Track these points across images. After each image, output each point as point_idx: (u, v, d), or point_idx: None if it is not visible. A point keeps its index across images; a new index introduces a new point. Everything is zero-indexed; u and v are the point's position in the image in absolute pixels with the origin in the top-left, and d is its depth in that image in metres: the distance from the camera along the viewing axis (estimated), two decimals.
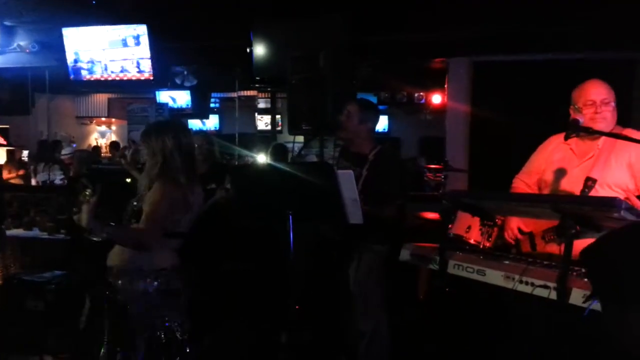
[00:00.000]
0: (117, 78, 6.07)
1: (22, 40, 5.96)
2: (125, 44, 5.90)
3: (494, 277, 2.52)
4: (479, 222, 3.08)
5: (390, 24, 5.42)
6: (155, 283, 2.31)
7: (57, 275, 4.05)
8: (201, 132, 4.26)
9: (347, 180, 2.66)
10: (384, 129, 9.85)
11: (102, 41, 5.98)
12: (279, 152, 5.02)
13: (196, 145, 3.76)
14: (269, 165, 4.45)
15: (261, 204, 3.02)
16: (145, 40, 5.79)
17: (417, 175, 7.19)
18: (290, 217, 2.76)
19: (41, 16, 5.76)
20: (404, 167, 3.72)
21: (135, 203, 2.39)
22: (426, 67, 6.74)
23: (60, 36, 5.69)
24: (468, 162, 5.31)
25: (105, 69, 6.06)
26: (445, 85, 5.93)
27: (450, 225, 3.16)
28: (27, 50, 5.93)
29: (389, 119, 9.84)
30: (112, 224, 2.22)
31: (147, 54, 5.82)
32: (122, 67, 6.01)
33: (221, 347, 3.62)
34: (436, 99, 7.61)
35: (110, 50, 5.92)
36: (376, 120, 3.33)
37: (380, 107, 9.14)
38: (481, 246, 3.03)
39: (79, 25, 5.72)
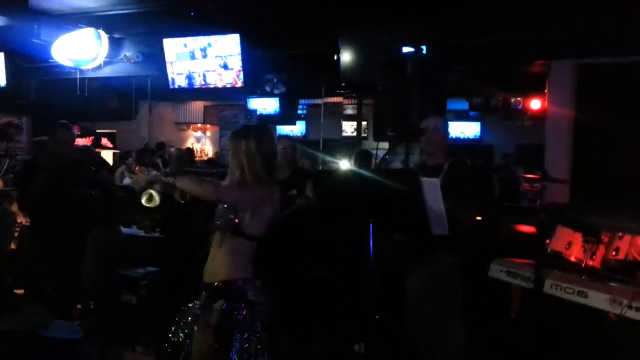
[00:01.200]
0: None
1: (128, 51, 6.43)
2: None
3: (598, 300, 2.27)
4: (581, 238, 2.81)
5: (485, 25, 5.15)
6: (248, 295, 2.33)
7: (150, 271, 4.28)
8: (285, 137, 4.29)
9: (432, 189, 2.52)
10: (476, 136, 9.42)
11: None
12: (362, 158, 4.95)
13: (280, 148, 3.83)
14: (352, 171, 4.39)
15: (342, 211, 2.96)
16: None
17: (512, 185, 6.77)
18: (371, 225, 2.68)
19: (145, 28, 6.17)
20: (481, 177, 3.63)
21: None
22: (524, 70, 6.33)
23: (161, 47, 6.05)
24: (570, 172, 4.87)
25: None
26: (546, 90, 5.52)
27: (548, 241, 2.91)
28: (133, 61, 6.38)
29: (481, 125, 9.40)
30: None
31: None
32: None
33: (298, 354, 3.60)
34: (535, 104, 7.13)
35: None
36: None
37: (472, 113, 8.79)
38: (583, 265, 2.75)
39: (178, 36, 6.05)
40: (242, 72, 5.88)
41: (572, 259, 2.78)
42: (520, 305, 3.38)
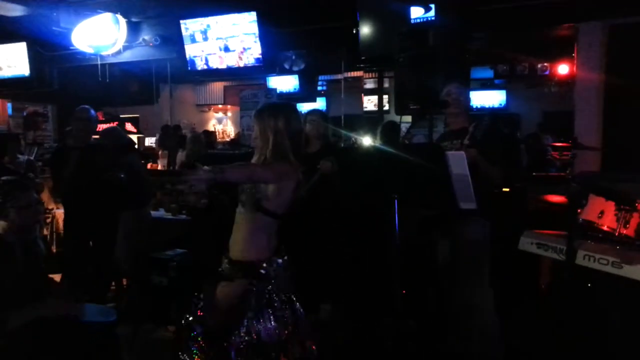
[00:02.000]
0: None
1: (146, 35, 6.42)
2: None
3: (634, 270, 2.21)
4: (614, 206, 2.73)
5: None
6: (273, 268, 2.36)
7: (179, 253, 4.34)
8: (317, 111, 4.23)
9: (458, 163, 2.48)
10: (501, 105, 9.19)
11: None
12: (390, 130, 4.82)
13: (311, 121, 3.80)
14: (375, 147, 4.34)
15: (366, 188, 2.94)
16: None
17: (540, 154, 6.61)
18: (396, 201, 2.65)
19: (162, 10, 6.14)
20: (506, 135, 3.71)
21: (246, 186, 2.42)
22: (550, 35, 6.10)
23: (179, 29, 6.02)
24: (601, 139, 4.72)
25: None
26: (574, 54, 5.31)
27: (579, 210, 2.83)
28: (151, 44, 6.37)
29: (507, 93, 9.15)
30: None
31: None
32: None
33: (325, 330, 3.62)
34: (562, 69, 6.89)
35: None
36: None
37: (497, 81, 8.56)
38: (617, 234, 2.68)
39: (195, 17, 6.00)
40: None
41: (605, 228, 2.71)
42: (550, 277, 3.33)
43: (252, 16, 5.73)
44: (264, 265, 2.34)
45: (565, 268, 2.44)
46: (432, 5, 4.79)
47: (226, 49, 5.96)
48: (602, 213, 2.74)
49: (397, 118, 4.74)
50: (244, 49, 5.87)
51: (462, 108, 3.32)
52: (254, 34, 5.76)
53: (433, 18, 4.85)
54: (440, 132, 4.32)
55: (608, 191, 2.74)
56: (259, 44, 5.77)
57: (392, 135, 4.72)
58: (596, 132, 4.78)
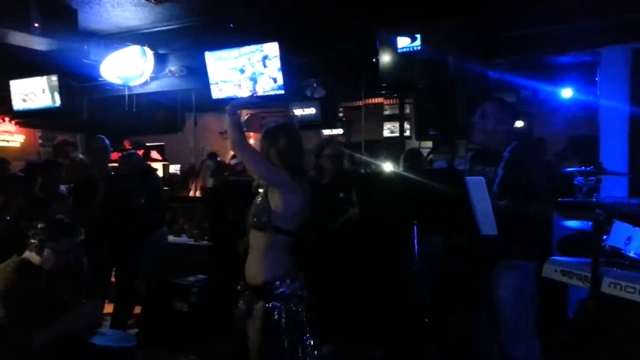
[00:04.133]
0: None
1: (172, 66, 6.62)
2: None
3: None
4: None
5: (530, 16, 4.96)
6: (288, 289, 2.36)
7: (200, 279, 4.37)
8: (333, 143, 4.24)
9: (477, 188, 2.46)
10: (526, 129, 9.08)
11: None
12: (412, 157, 4.85)
13: (328, 155, 3.84)
14: (394, 173, 4.34)
15: (387, 213, 2.92)
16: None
17: (566, 180, 6.49)
18: (415, 227, 2.63)
19: (188, 43, 6.33)
20: (547, 162, 3.40)
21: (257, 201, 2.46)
22: (573, 59, 6.06)
23: (203, 60, 6.19)
24: (628, 164, 4.62)
25: None
26: (597, 78, 5.26)
27: (605, 237, 2.76)
28: (177, 75, 6.56)
29: (530, 118, 9.07)
30: None
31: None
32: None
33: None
34: (587, 93, 6.82)
35: None
36: (513, 122, 3.10)
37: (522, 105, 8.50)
38: None
39: (219, 49, 6.16)
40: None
41: (632, 255, 2.63)
42: (577, 308, 3.23)
43: (274, 46, 5.86)
44: (277, 284, 2.34)
45: (590, 296, 2.37)
46: (418, 35, 4.88)
47: (251, 79, 6.10)
48: (630, 239, 2.67)
49: (417, 144, 4.74)
50: (266, 78, 6.00)
51: (483, 136, 2.94)
52: (277, 63, 5.88)
53: (419, 47, 4.91)
54: (461, 157, 4.28)
55: (634, 217, 2.68)
56: (280, 73, 5.88)
57: (415, 162, 4.73)
58: (622, 157, 4.69)
